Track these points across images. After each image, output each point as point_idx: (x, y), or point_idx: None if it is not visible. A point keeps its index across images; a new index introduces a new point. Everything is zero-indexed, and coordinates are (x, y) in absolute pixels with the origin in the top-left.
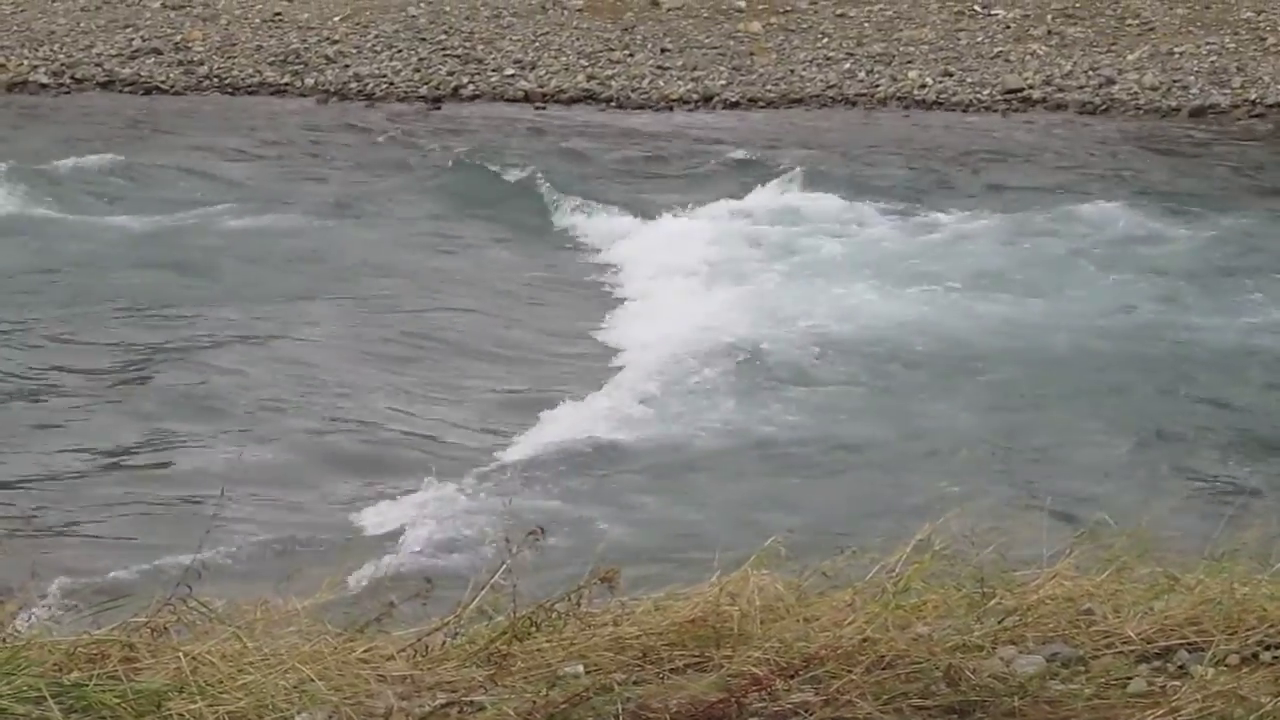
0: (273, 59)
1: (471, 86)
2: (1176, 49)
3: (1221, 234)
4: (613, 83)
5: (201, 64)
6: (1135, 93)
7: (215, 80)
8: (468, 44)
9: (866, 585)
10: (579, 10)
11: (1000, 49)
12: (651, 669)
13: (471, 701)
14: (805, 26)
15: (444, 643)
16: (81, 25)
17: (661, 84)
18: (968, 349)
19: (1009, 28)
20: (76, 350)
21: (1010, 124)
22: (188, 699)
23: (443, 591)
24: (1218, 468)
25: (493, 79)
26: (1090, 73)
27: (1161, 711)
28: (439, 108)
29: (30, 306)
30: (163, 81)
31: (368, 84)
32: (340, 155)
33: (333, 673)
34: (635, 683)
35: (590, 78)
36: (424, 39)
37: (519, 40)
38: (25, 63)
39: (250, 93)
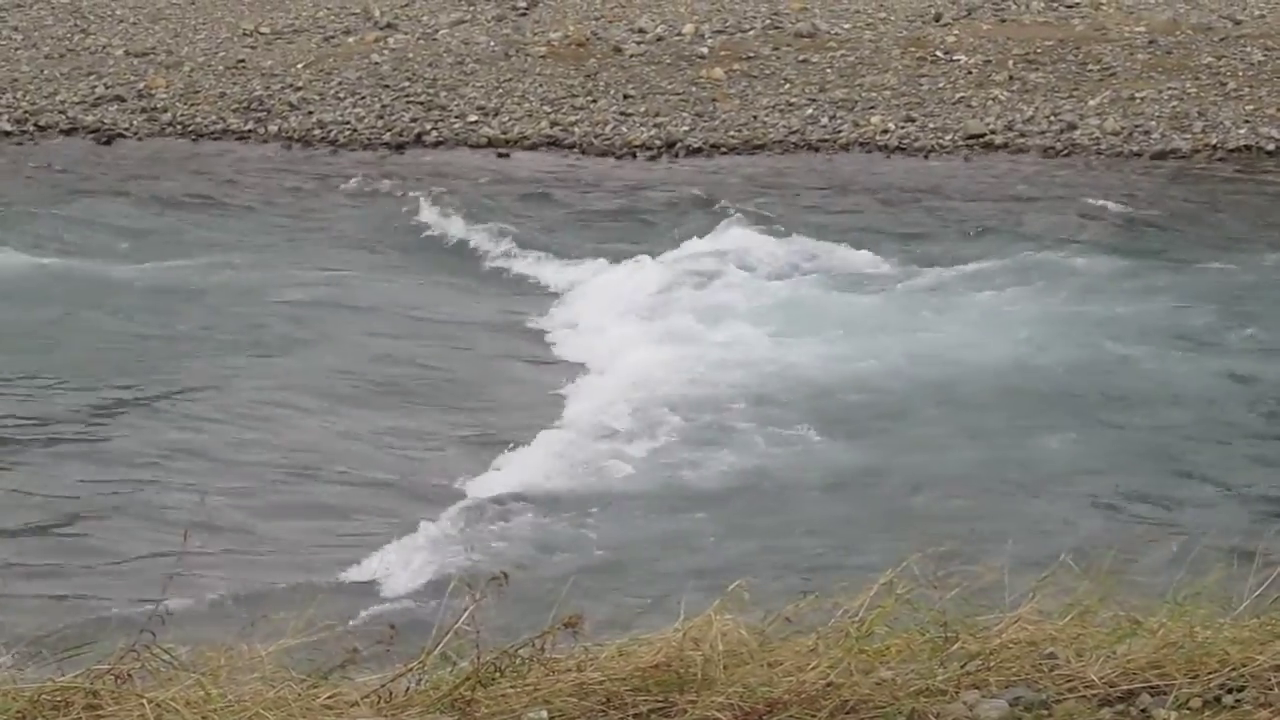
0: (236, 106)
1: (435, 133)
2: (1138, 94)
3: (1183, 277)
4: (576, 129)
5: (165, 111)
6: (1097, 137)
7: (178, 127)
8: (431, 91)
9: (830, 629)
10: (542, 57)
11: (962, 94)
12: (615, 714)
13: None
14: (768, 73)
15: (408, 689)
16: (45, 73)
17: (624, 130)
18: (929, 392)
19: (971, 73)
20: (37, 398)
21: (972, 169)
22: None
23: (407, 637)
24: (1179, 511)
25: (456, 125)
26: (1052, 118)
27: None
28: (402, 154)
29: None
30: (126, 128)
31: (331, 130)
32: (302, 202)
33: (297, 719)
34: None
35: (553, 124)
36: (387, 86)
37: (482, 87)
38: None
39: (214, 139)
